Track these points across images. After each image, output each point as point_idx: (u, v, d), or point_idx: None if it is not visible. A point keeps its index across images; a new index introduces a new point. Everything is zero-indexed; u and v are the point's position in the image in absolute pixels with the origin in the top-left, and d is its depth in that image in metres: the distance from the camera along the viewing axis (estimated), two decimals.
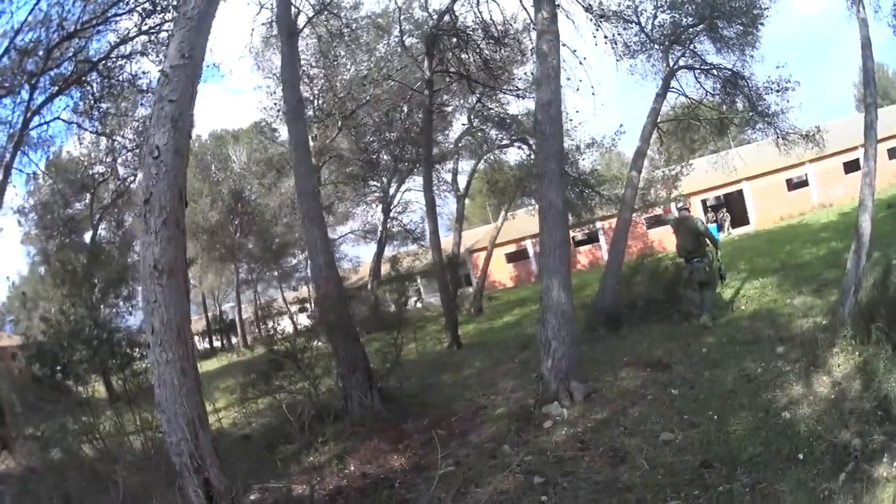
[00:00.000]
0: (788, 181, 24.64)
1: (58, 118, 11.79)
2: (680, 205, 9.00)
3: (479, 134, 16.15)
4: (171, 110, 2.79)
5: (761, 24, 9.96)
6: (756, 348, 6.29)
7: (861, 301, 5.21)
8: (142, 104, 13.59)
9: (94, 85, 11.52)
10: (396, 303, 9.57)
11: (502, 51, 11.77)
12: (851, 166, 22.91)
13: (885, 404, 3.79)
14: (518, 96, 13.29)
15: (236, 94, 75.77)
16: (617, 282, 10.29)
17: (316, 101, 15.92)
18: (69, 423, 6.61)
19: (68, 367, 6.94)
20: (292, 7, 7.82)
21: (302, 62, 16.14)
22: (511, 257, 28.57)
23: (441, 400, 7.44)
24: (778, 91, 10.41)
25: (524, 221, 22.08)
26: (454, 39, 11.47)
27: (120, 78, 11.74)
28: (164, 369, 2.96)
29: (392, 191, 19.92)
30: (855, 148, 21.63)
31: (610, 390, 6.07)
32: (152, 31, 11.07)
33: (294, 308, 34.32)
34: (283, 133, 18.93)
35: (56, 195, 15.87)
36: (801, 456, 3.62)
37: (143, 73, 12.06)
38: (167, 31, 11.21)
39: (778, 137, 11.00)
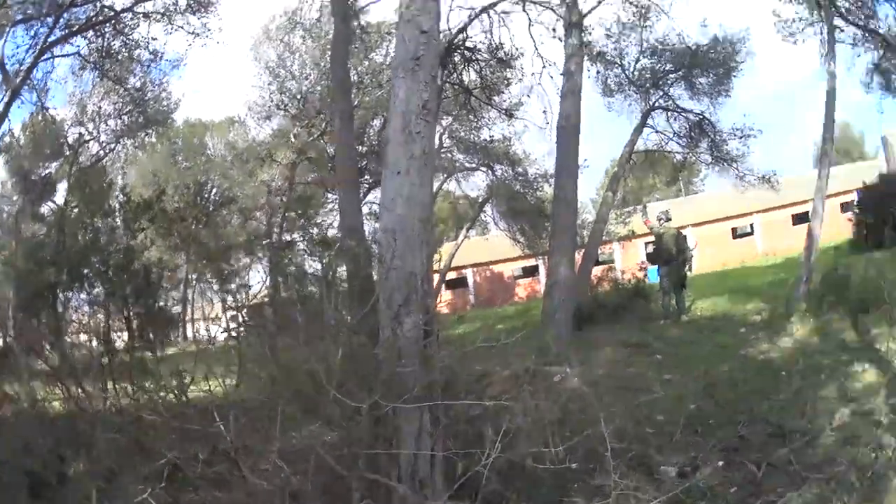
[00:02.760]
0: (734, 230, 25.49)
1: (76, 53, 11.66)
2: (659, 215, 9.75)
3: (447, 155, 17.09)
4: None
5: (734, 75, 11.73)
6: (722, 331, 7.38)
7: (812, 287, 6.56)
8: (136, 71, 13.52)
9: (107, 36, 11.47)
10: None
11: (504, 71, 12.92)
12: (800, 219, 22.95)
13: (843, 345, 4.98)
14: (508, 114, 14.39)
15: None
16: (587, 285, 11.47)
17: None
18: None
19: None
20: None
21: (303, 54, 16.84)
22: (449, 284, 27.24)
23: None
24: (740, 137, 12.06)
25: (465, 250, 22.36)
26: (463, 56, 12.53)
27: (132, 37, 11.73)
28: (416, 191, 3.35)
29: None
30: (805, 202, 20.67)
31: (602, 359, 6.92)
32: None
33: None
34: (264, 129, 19.17)
35: (37, 150, 15.16)
36: (783, 373, 4.70)
37: (153, 38, 11.94)
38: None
39: (736, 177, 12.67)
